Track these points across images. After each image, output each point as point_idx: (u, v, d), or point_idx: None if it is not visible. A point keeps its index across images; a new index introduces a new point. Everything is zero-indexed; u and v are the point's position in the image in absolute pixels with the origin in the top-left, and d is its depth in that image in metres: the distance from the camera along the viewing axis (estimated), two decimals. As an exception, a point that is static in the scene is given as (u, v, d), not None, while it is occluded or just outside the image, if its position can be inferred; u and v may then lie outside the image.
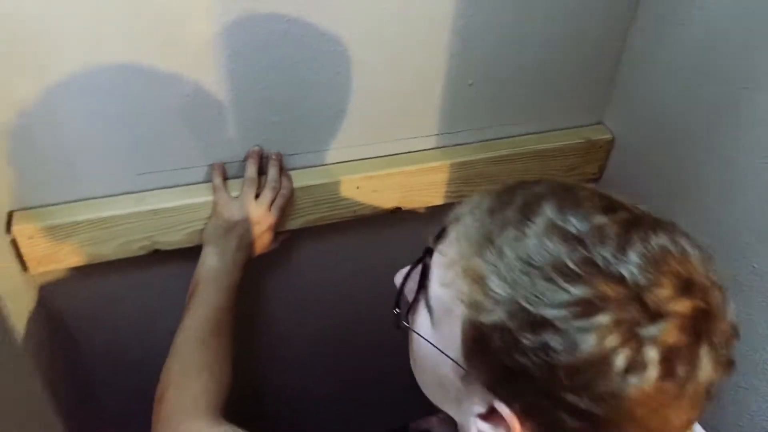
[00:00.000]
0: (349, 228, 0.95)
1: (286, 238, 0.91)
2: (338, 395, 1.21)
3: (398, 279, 0.55)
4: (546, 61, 0.91)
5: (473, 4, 0.81)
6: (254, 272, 0.88)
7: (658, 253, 0.41)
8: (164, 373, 0.74)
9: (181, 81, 0.75)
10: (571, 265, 0.41)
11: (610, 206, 0.44)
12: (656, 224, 0.44)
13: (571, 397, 0.41)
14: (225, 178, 0.84)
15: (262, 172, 0.85)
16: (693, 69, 0.83)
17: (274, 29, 0.75)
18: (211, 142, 0.82)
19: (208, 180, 0.85)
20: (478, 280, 0.44)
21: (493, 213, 0.45)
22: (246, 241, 0.83)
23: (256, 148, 0.84)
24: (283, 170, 0.86)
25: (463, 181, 0.95)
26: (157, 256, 0.86)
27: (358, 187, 0.90)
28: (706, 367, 0.41)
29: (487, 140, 0.96)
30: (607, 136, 0.99)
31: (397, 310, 0.54)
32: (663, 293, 0.40)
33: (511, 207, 0.45)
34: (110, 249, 0.84)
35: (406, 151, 0.93)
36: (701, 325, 0.41)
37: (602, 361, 0.39)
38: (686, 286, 0.41)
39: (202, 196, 0.84)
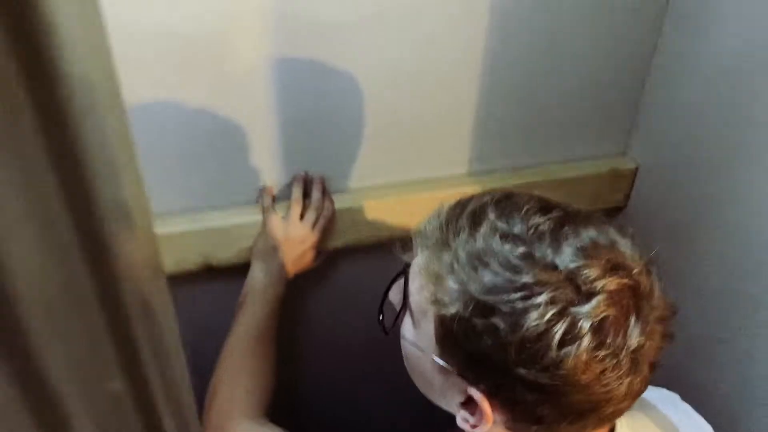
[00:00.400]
0: (386, 249, 1.01)
1: (327, 257, 0.97)
2: (368, 404, 1.25)
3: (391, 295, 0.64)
4: (572, 94, 0.96)
5: (502, 39, 0.87)
6: (297, 286, 0.95)
7: (588, 244, 0.48)
8: (217, 369, 0.80)
9: (230, 110, 0.83)
10: (513, 260, 0.48)
11: (545, 207, 0.52)
12: (587, 219, 0.51)
13: (522, 371, 0.47)
14: (273, 200, 0.91)
15: (306, 194, 0.91)
16: (716, 98, 0.86)
17: (315, 65, 0.82)
18: (260, 166, 0.89)
19: (257, 201, 0.91)
20: (440, 280, 0.51)
21: (449, 223, 0.53)
22: (290, 258, 0.89)
23: (302, 173, 0.91)
24: (326, 193, 0.92)
25: (494, 206, 1.00)
26: (209, 272, 0.93)
27: (394, 210, 0.96)
28: (636, 336, 0.47)
29: (516, 168, 1.01)
30: (631, 166, 1.03)
31: (381, 317, 0.63)
32: (593, 274, 0.47)
33: (462, 216, 0.53)
34: (168, 263, 0.91)
35: (441, 176, 0.98)
36: (629, 299, 0.47)
37: (543, 335, 0.46)
38: (613, 267, 0.47)
39: (251, 216, 0.90)
